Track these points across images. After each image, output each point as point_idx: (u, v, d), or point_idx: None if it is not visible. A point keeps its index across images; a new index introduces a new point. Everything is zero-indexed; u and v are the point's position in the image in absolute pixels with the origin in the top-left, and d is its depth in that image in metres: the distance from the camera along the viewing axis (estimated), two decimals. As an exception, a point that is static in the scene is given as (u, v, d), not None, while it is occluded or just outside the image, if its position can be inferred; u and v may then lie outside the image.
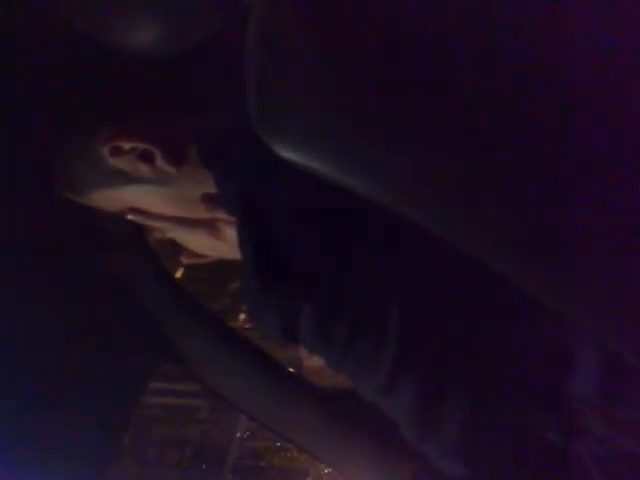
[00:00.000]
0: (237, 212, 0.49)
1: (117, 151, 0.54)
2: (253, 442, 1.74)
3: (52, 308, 0.74)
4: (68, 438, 0.74)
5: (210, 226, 0.59)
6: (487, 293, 0.42)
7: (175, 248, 0.68)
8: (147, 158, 0.54)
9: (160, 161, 0.53)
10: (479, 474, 0.44)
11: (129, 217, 0.61)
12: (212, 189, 0.53)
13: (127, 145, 0.53)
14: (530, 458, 0.43)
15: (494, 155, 0.35)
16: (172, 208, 0.59)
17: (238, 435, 1.74)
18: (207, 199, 0.56)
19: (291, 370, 0.93)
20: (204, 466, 1.77)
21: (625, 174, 0.34)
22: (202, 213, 0.59)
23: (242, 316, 1.60)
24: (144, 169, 0.54)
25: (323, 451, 0.84)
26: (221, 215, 0.56)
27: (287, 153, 0.37)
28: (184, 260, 0.67)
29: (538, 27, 0.35)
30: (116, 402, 0.81)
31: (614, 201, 0.34)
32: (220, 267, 0.84)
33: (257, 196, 0.47)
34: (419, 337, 0.43)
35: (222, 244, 0.60)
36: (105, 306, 0.77)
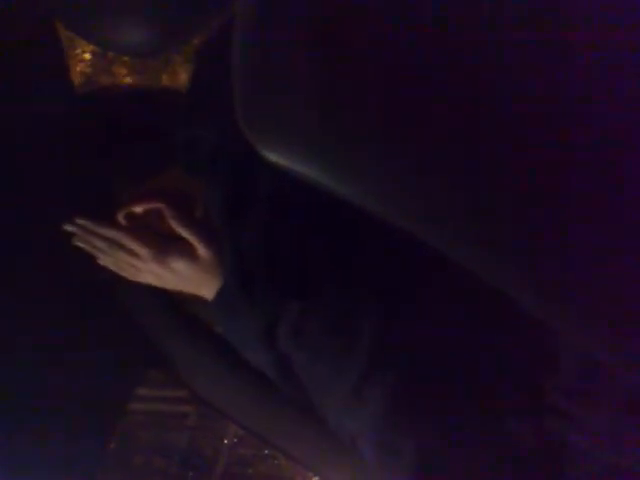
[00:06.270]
0: (220, 214, 0.49)
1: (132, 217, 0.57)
2: (241, 449, 1.73)
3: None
4: (55, 446, 0.73)
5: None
6: (471, 296, 0.42)
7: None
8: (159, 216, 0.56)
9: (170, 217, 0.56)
10: None
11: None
12: None
13: (140, 208, 0.57)
14: (509, 464, 0.43)
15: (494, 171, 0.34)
16: None
17: (226, 442, 1.73)
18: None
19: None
20: (191, 473, 1.76)
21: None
22: None
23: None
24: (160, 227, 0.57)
25: (311, 459, 0.84)
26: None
27: (272, 155, 0.37)
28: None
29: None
30: (102, 408, 0.80)
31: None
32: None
33: (241, 200, 0.47)
34: (395, 337, 0.43)
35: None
36: (92, 311, 0.76)
